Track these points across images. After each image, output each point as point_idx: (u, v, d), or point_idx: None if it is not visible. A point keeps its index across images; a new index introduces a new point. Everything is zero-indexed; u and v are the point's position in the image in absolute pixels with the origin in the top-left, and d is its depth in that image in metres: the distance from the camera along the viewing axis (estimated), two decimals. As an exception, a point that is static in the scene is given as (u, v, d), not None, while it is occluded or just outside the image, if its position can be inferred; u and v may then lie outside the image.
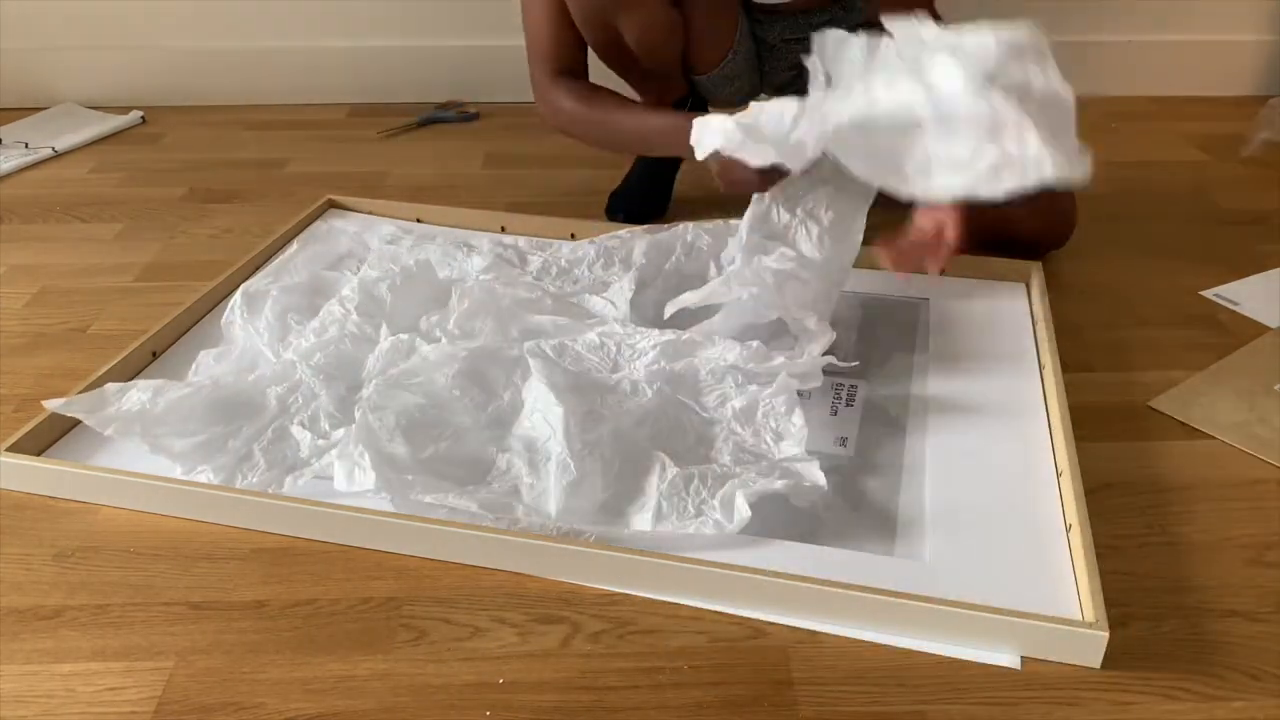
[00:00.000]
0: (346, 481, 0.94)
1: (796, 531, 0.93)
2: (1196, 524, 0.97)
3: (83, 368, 1.17)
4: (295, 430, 1.03)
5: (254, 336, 1.20)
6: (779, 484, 0.92)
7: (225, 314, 1.24)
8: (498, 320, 1.17)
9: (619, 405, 1.04)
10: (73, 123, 1.98)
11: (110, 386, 1.05)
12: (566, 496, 0.93)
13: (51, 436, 1.04)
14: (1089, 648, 0.80)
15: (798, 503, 0.93)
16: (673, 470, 0.95)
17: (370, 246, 1.43)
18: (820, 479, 0.94)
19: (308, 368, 1.10)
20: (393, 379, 1.06)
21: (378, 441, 0.97)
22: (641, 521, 0.92)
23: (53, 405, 1.02)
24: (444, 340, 1.14)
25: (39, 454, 1.01)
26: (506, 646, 0.84)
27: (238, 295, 1.25)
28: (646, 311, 1.23)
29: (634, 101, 1.37)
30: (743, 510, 0.90)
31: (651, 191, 1.61)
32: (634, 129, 1.32)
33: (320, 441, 1.02)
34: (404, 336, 1.15)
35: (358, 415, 1.00)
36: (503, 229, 1.50)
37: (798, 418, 1.02)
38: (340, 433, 1.03)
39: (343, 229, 1.49)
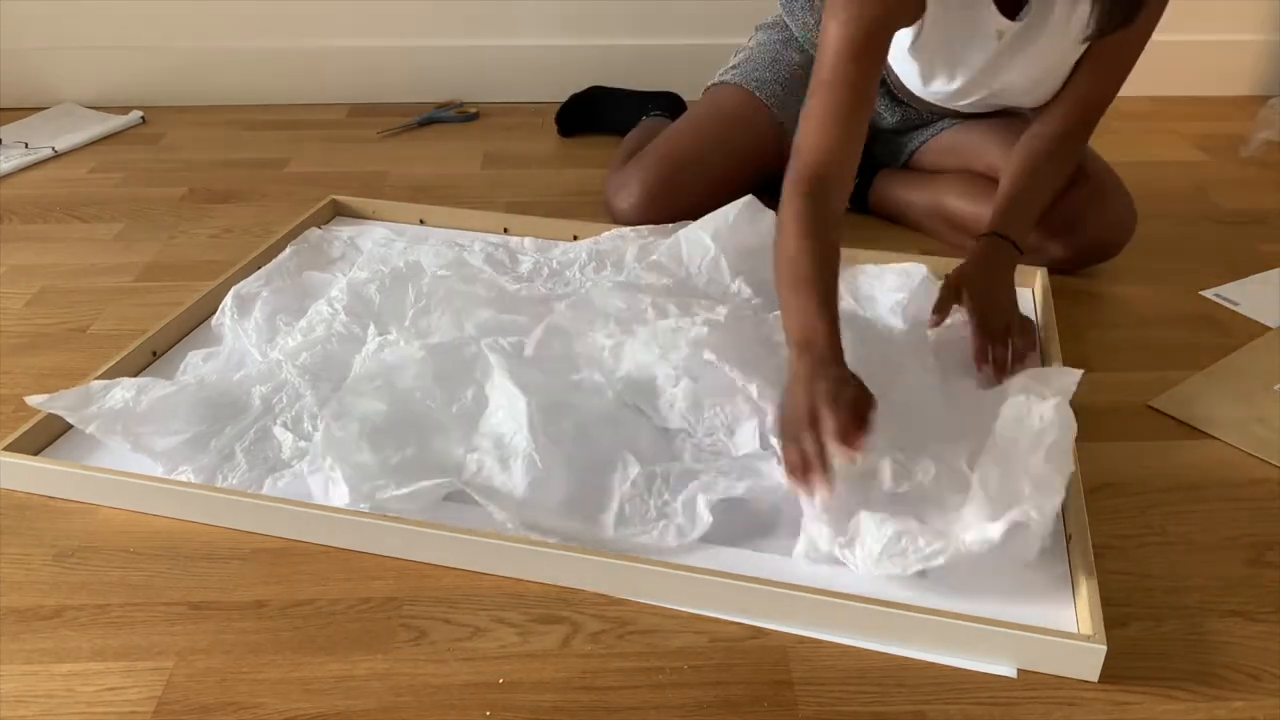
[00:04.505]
0: (323, 495, 0.94)
1: (782, 538, 0.92)
2: (1196, 524, 0.97)
3: (83, 368, 1.17)
4: (277, 431, 1.03)
5: (242, 337, 1.20)
6: (740, 486, 0.92)
7: (216, 315, 1.24)
8: (453, 317, 1.17)
9: (583, 402, 1.04)
10: (73, 123, 1.98)
11: (95, 383, 1.05)
12: (531, 491, 0.93)
13: (50, 436, 1.04)
14: (1086, 661, 0.80)
15: (758, 504, 0.92)
16: (635, 469, 0.95)
17: (362, 250, 1.43)
18: (781, 478, 0.92)
19: (293, 368, 1.10)
20: (350, 386, 1.05)
21: (345, 451, 0.96)
22: (603, 525, 0.92)
23: (35, 401, 1.03)
24: (400, 340, 1.13)
25: (36, 453, 1.01)
26: (506, 646, 0.84)
27: (229, 297, 1.25)
28: None
29: (814, 275, 1.00)
30: (704, 516, 0.90)
31: None
32: (784, 297, 1.02)
33: (302, 443, 1.02)
34: (391, 337, 1.15)
35: (321, 426, 0.99)
36: (505, 230, 1.50)
37: (748, 422, 1.00)
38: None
39: (336, 234, 1.48)
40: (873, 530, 0.86)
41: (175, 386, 1.06)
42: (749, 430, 1.00)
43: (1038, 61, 1.26)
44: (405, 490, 0.93)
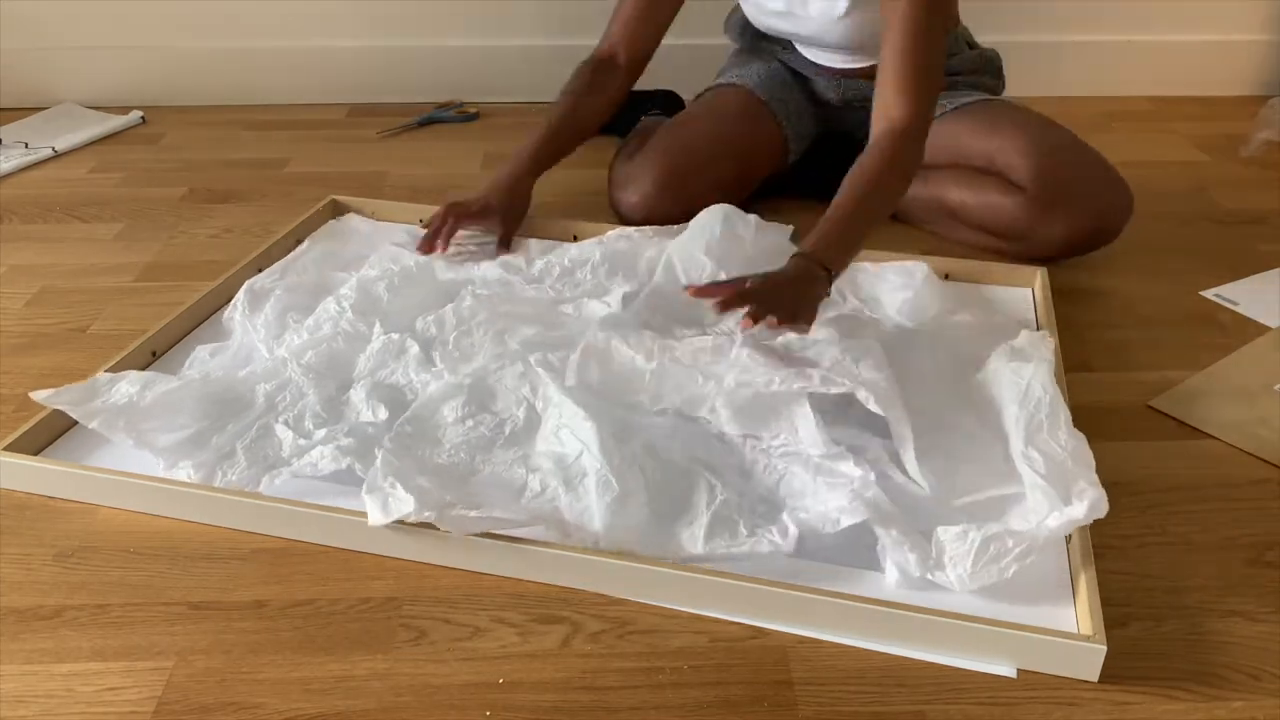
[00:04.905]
0: (382, 513, 0.89)
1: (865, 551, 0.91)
2: (1196, 524, 0.97)
3: (82, 368, 1.17)
4: (279, 429, 1.03)
5: (251, 333, 1.20)
6: (837, 519, 0.90)
7: (227, 310, 1.24)
8: (495, 336, 1.15)
9: (645, 419, 1.02)
10: (73, 123, 1.98)
11: (102, 377, 1.06)
12: (611, 514, 0.91)
13: (50, 436, 1.04)
14: (1086, 661, 0.80)
15: (875, 524, 0.90)
16: (721, 492, 0.94)
17: (377, 247, 1.43)
18: (857, 472, 0.94)
19: (298, 366, 1.10)
20: (403, 432, 1.01)
21: (406, 476, 0.93)
22: (692, 540, 0.91)
23: (40, 397, 1.03)
24: (443, 368, 1.11)
25: (36, 453, 1.01)
26: (506, 646, 0.84)
27: (241, 292, 1.26)
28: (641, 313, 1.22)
29: (551, 122, 1.47)
30: (792, 530, 0.90)
31: None
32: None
33: (301, 441, 1.01)
34: (395, 336, 1.14)
35: (379, 455, 0.95)
36: (504, 229, 1.50)
37: (804, 410, 0.99)
38: (322, 432, 1.02)
39: (355, 229, 1.49)
40: (957, 544, 0.86)
41: (179, 382, 1.06)
42: (811, 427, 0.98)
43: None
44: (475, 514, 0.89)
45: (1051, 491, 0.89)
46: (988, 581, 0.85)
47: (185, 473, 0.98)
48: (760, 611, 0.85)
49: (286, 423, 1.04)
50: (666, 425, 1.03)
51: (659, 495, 0.95)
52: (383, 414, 1.04)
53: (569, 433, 0.99)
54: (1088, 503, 0.86)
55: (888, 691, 0.79)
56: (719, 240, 1.30)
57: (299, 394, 1.08)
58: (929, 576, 0.86)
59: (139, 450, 1.00)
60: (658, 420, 1.04)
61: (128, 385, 1.04)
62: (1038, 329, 1.26)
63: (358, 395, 1.07)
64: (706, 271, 1.26)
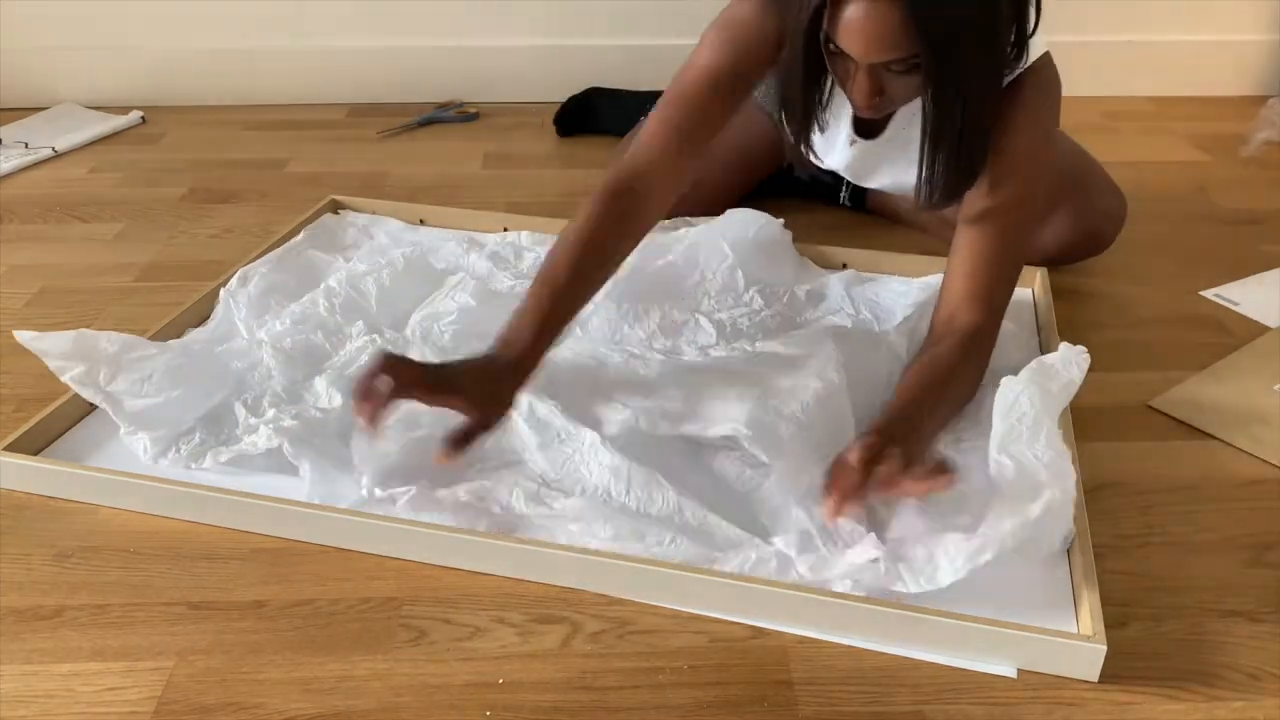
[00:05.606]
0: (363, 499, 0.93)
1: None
2: (1196, 524, 0.97)
3: (83, 368, 1.17)
4: (237, 407, 1.05)
5: (233, 309, 1.22)
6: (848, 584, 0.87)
7: (221, 293, 1.27)
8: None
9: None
10: (73, 123, 1.98)
11: (85, 332, 1.07)
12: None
13: (50, 436, 1.04)
14: (1086, 661, 0.80)
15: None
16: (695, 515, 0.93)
17: (374, 238, 1.45)
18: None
19: (271, 349, 1.12)
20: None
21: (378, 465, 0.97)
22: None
23: (24, 337, 1.04)
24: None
25: (36, 453, 1.01)
26: (506, 646, 0.84)
27: (234, 279, 1.28)
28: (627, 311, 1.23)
29: (561, 276, 1.01)
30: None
31: None
32: (532, 287, 1.01)
33: (253, 420, 1.03)
34: (375, 337, 1.15)
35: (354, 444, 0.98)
36: (505, 229, 1.50)
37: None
38: (273, 413, 1.03)
39: (351, 222, 1.51)
40: (914, 554, 0.85)
41: (157, 349, 1.08)
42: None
43: (897, 172, 1.27)
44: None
45: (1010, 501, 0.84)
46: (942, 584, 0.82)
47: (143, 443, 1.00)
48: (760, 611, 0.85)
49: (245, 402, 1.06)
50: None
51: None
52: (337, 400, 1.04)
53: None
54: (1042, 506, 0.82)
55: (888, 691, 0.79)
56: (750, 240, 1.32)
57: (266, 376, 1.09)
58: (890, 588, 0.84)
59: (115, 418, 1.02)
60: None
61: (107, 344, 1.06)
62: (1037, 330, 1.26)
63: (320, 383, 1.07)
64: (727, 262, 1.28)
